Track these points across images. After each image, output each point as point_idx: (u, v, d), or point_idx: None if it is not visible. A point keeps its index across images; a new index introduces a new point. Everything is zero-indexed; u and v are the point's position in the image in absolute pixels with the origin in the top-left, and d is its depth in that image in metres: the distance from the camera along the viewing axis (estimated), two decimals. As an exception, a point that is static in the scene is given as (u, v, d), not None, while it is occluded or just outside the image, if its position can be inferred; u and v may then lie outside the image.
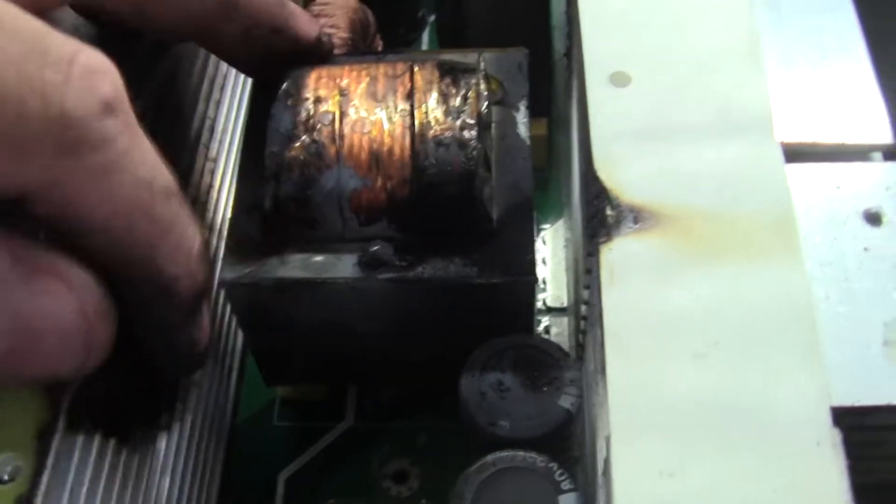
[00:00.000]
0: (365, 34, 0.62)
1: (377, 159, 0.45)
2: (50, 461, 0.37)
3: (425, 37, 0.74)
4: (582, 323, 0.48)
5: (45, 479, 0.36)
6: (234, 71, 0.57)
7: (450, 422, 0.53)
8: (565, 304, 0.59)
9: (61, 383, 0.38)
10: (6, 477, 0.36)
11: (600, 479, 0.38)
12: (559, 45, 0.64)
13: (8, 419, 0.37)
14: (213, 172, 0.54)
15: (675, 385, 0.35)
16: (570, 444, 0.45)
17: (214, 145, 0.54)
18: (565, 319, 0.59)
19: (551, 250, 0.61)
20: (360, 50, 0.57)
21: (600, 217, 0.39)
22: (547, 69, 0.64)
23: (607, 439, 0.35)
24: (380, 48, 0.64)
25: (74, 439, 0.39)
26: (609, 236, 0.39)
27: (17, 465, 0.36)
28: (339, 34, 0.59)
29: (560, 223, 0.63)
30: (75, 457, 0.39)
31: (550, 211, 0.63)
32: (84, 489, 0.39)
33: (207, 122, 0.54)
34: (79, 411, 0.39)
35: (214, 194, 0.54)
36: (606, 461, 0.35)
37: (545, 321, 0.58)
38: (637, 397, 0.35)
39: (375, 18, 0.63)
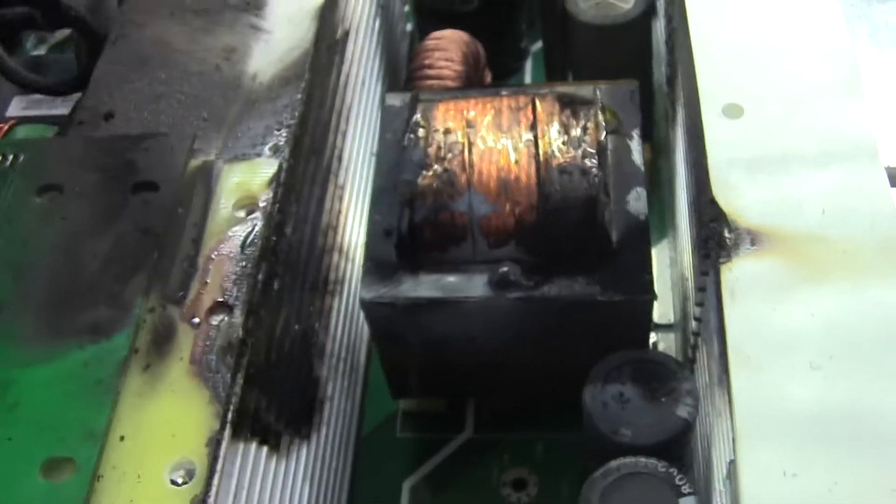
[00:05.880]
0: (476, 65, 0.65)
1: (505, 186, 0.48)
2: (219, 465, 0.40)
3: (528, 65, 0.77)
4: (692, 338, 0.51)
5: (215, 481, 0.40)
6: (356, 102, 0.61)
7: (565, 433, 0.57)
8: (672, 321, 0.61)
9: (227, 397, 0.42)
10: (180, 480, 0.40)
11: (722, 483, 0.41)
12: (657, 73, 0.67)
13: (182, 428, 0.41)
14: (341, 199, 0.57)
15: (794, 394, 0.38)
16: (686, 451, 0.48)
17: (342, 173, 0.58)
18: (672, 335, 0.61)
19: (657, 269, 0.62)
20: (475, 83, 0.61)
21: (718, 239, 0.42)
22: (647, 96, 0.67)
23: (733, 443, 0.38)
24: (489, 78, 0.67)
25: (238, 446, 0.42)
26: (729, 257, 0.42)
27: (190, 468, 0.40)
28: (453, 66, 0.62)
29: (664, 243, 0.65)
30: (237, 462, 0.42)
31: (654, 231, 0.65)
32: (245, 492, 0.43)
33: (336, 152, 0.57)
34: (240, 421, 0.43)
35: (343, 219, 0.57)
36: (732, 464, 0.38)
37: (652, 337, 0.61)
38: (760, 405, 0.38)
39: (484, 50, 0.67)
